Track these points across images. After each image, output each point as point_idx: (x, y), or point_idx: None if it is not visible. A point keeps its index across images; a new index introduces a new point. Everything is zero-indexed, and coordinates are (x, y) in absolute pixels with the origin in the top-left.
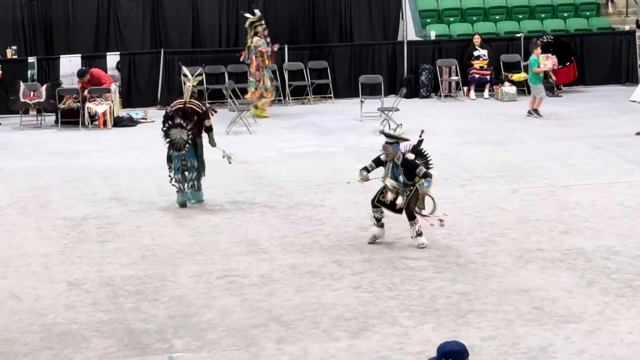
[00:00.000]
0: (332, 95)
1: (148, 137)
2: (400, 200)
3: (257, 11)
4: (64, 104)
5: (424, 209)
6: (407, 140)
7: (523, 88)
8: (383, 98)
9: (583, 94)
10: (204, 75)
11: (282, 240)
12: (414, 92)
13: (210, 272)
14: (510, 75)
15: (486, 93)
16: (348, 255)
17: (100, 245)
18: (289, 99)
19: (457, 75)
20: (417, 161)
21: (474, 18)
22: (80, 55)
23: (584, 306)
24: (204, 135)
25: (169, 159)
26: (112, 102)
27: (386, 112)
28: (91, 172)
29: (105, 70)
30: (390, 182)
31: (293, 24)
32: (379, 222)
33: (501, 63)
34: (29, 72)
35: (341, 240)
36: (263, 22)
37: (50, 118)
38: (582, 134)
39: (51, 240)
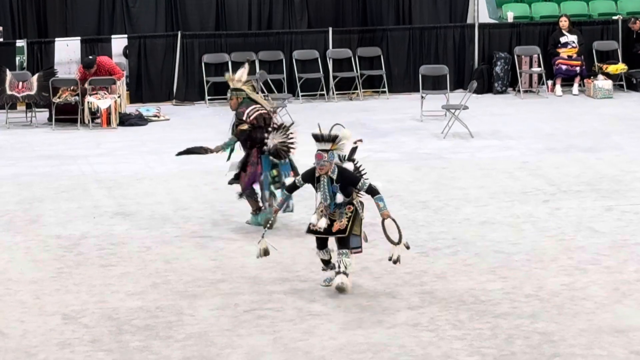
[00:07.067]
0: (385, 89)
1: (161, 138)
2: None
3: None
4: (59, 98)
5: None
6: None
7: (621, 82)
8: (449, 93)
9: None
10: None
11: None
12: (486, 87)
13: (236, 304)
14: (605, 66)
15: (575, 88)
16: (404, 286)
17: (102, 270)
18: (333, 93)
19: (539, 66)
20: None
21: None
22: (79, 38)
23: None
24: None
25: (258, 169)
26: (118, 95)
27: (452, 111)
28: (91, 181)
29: (110, 57)
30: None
31: (339, 2)
32: (327, 265)
33: (594, 51)
34: (18, 58)
35: (396, 267)
36: None
37: (43, 114)
38: None
39: (43, 264)
